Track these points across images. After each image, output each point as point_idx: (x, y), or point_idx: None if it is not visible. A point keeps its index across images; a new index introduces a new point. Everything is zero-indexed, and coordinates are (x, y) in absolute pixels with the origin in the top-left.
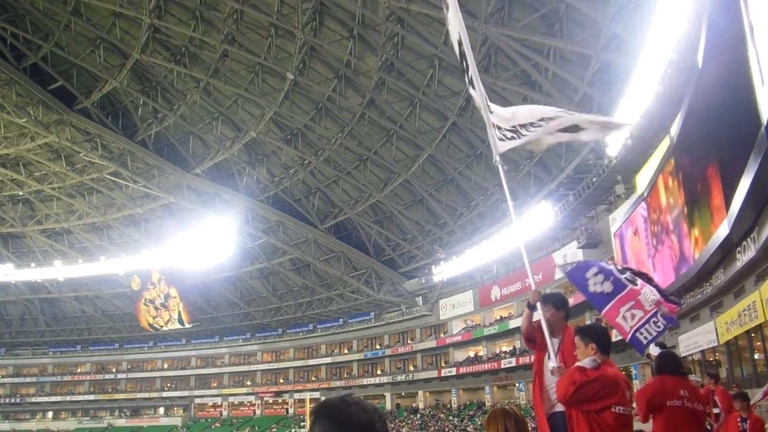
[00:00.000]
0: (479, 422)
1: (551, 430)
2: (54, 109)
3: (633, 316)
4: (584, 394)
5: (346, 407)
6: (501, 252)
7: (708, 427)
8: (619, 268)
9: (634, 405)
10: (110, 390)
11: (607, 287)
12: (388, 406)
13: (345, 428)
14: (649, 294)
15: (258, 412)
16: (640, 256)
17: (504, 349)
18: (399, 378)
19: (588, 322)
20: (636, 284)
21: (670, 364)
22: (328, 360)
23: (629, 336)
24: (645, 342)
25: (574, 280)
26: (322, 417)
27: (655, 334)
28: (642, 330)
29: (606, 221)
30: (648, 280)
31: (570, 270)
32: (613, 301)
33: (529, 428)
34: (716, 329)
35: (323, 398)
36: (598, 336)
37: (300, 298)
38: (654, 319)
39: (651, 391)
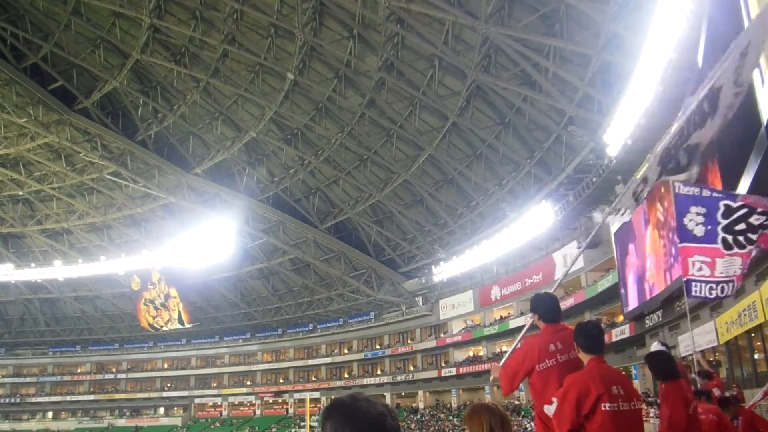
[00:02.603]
0: None
1: None
2: (54, 109)
3: (701, 268)
4: (568, 407)
5: (355, 403)
6: (501, 252)
7: None
8: (734, 210)
9: (643, 404)
10: (110, 390)
11: (699, 231)
12: None
13: (356, 423)
14: (730, 266)
15: (258, 412)
16: (640, 256)
17: (504, 348)
18: (399, 378)
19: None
20: (729, 249)
21: (670, 369)
22: (328, 360)
23: (685, 279)
24: (693, 294)
25: (679, 205)
26: (333, 414)
27: (710, 296)
28: (698, 285)
29: (606, 221)
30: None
31: (681, 193)
32: (694, 245)
33: (512, 426)
34: (716, 329)
35: (323, 398)
36: (579, 336)
37: (300, 298)
38: (715, 285)
39: (678, 403)
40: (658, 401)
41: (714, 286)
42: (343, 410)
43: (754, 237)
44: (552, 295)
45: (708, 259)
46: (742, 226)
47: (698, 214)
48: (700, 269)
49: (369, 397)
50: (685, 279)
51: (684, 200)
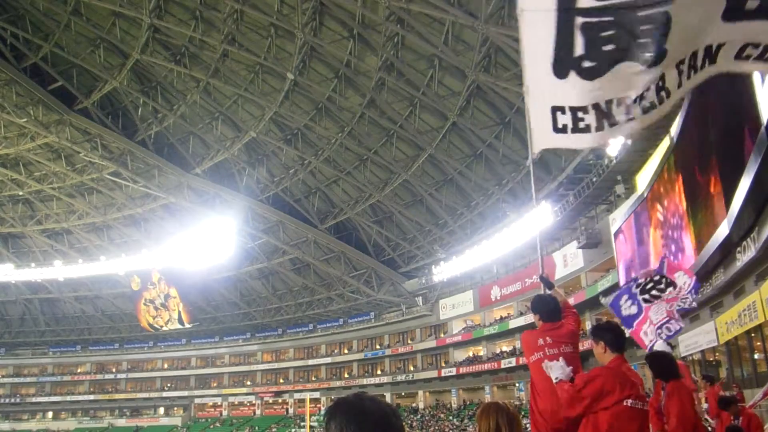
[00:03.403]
0: None
1: None
2: (54, 109)
3: (647, 333)
4: (587, 394)
5: (361, 402)
6: (501, 252)
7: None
8: (641, 282)
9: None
10: (110, 390)
11: (633, 309)
12: None
13: (361, 421)
14: (654, 313)
15: (258, 412)
16: (641, 255)
17: (504, 349)
18: (399, 378)
19: (588, 322)
20: (651, 302)
21: (673, 369)
22: (328, 360)
23: (647, 348)
24: (652, 350)
25: (614, 308)
26: (338, 412)
27: (663, 338)
28: (654, 345)
29: (606, 221)
30: (668, 282)
31: (611, 301)
32: (637, 321)
33: (522, 424)
34: (716, 329)
35: (324, 398)
36: (606, 334)
37: (300, 298)
38: (659, 330)
39: (685, 400)
40: (651, 399)
41: (663, 327)
42: (348, 409)
43: (660, 287)
44: (553, 296)
45: (647, 322)
46: (648, 287)
47: (626, 300)
48: (647, 334)
49: (374, 396)
50: (647, 350)
51: (614, 303)
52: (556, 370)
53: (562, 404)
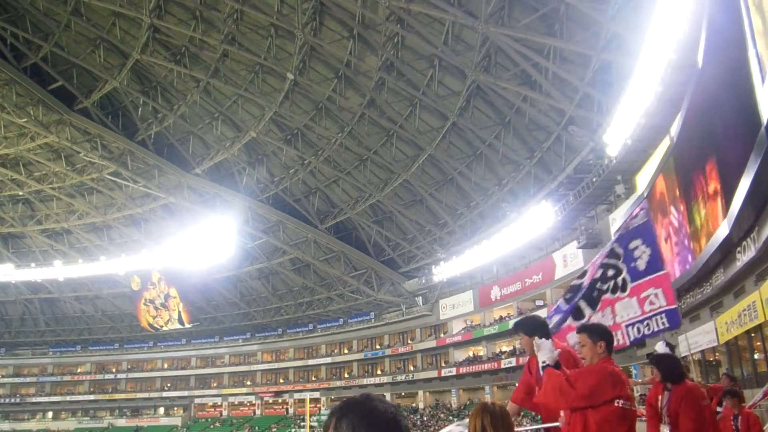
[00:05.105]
0: None
1: None
2: (54, 109)
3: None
4: (581, 388)
5: (370, 402)
6: (501, 252)
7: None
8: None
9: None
10: (110, 390)
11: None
12: None
13: (372, 422)
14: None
15: (258, 412)
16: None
17: (504, 349)
18: (399, 378)
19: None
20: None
21: (681, 371)
22: (328, 360)
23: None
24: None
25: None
26: (349, 412)
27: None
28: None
29: (606, 221)
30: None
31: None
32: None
33: (512, 424)
34: (716, 329)
35: (324, 398)
36: (606, 335)
37: (300, 298)
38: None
39: (699, 401)
40: (649, 398)
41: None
42: (360, 409)
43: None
44: (536, 315)
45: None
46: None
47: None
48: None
49: (380, 397)
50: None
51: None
52: (545, 352)
53: (550, 392)
